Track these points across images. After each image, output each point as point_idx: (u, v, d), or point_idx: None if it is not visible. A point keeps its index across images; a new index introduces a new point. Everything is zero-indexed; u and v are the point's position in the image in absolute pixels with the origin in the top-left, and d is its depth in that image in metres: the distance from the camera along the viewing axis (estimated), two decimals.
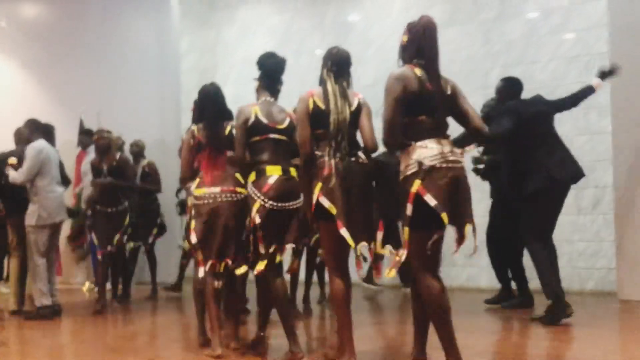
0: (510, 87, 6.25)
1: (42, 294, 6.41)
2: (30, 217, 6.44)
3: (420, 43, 3.69)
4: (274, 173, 4.23)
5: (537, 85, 8.17)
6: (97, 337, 5.61)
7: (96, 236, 7.09)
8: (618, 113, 7.18)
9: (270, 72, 4.56)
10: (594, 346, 4.77)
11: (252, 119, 4.36)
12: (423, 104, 3.55)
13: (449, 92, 3.68)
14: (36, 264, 6.39)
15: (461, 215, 3.51)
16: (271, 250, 4.22)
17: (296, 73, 8.70)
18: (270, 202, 4.17)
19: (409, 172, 3.48)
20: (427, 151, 3.47)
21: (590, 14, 7.86)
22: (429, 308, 3.55)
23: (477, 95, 7.54)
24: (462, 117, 3.70)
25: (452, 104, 3.68)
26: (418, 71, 3.62)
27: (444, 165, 3.47)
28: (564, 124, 7.84)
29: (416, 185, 3.43)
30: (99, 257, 7.04)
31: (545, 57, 8.15)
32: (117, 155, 7.26)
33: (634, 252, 6.92)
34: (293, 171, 4.29)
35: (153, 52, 10.29)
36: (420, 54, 3.67)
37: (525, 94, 7.74)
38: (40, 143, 6.56)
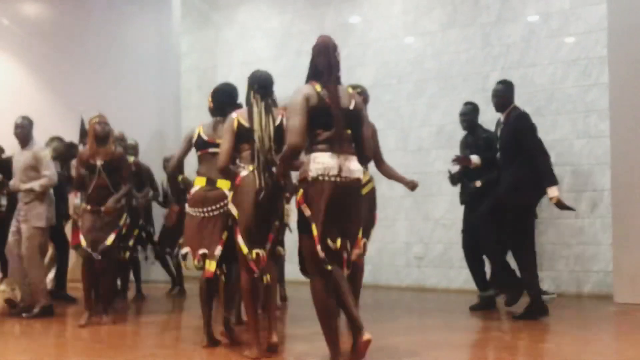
0: (509, 90, 6.30)
1: (46, 293, 6.47)
2: (39, 220, 6.39)
3: (316, 61, 3.97)
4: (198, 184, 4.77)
5: (536, 88, 8.17)
6: (96, 335, 5.58)
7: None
8: (616, 116, 7.17)
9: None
10: (589, 349, 4.77)
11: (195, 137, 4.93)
12: (321, 118, 3.80)
13: (351, 107, 3.92)
14: (43, 264, 6.46)
15: (340, 229, 3.78)
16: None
17: (296, 74, 8.71)
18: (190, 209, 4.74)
19: (298, 180, 3.86)
20: (314, 164, 3.76)
21: (590, 18, 7.84)
22: (315, 306, 3.84)
23: (476, 98, 7.55)
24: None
25: (353, 120, 3.91)
26: (318, 87, 3.87)
27: (327, 179, 3.74)
28: (562, 127, 7.87)
29: (299, 194, 3.80)
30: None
31: (545, 61, 8.14)
32: (115, 150, 6.17)
33: (631, 256, 6.91)
34: (219, 182, 4.66)
35: (153, 51, 10.29)
36: (319, 72, 3.93)
37: (525, 97, 7.78)
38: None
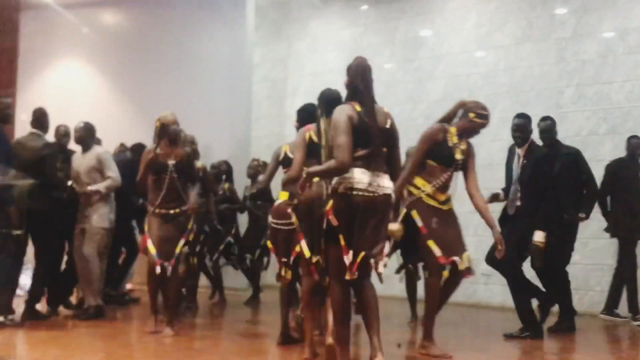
0: (530, 124, 6.08)
1: (97, 294, 6.48)
2: (103, 220, 6.52)
3: (354, 82, 4.10)
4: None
5: (612, 105, 7.94)
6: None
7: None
8: None
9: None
10: None
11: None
12: (361, 136, 3.94)
13: (387, 126, 4.07)
14: (98, 265, 6.47)
15: (360, 242, 3.88)
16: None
17: None
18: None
19: (329, 192, 4.01)
20: (347, 179, 3.90)
21: None
22: (332, 308, 4.11)
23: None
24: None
25: (389, 138, 4.08)
26: (357, 107, 4.01)
27: (356, 193, 3.88)
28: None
29: (328, 205, 3.96)
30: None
31: (621, 78, 7.90)
32: (186, 151, 5.97)
33: None
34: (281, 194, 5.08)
35: (227, 62, 10.42)
36: (358, 92, 4.06)
37: (601, 114, 7.59)
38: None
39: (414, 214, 4.84)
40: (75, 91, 10.47)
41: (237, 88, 10.30)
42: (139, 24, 10.67)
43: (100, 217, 6.51)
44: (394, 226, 4.59)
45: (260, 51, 11.24)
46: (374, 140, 3.95)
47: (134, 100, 10.21)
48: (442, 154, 4.92)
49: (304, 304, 4.75)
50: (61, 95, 10.30)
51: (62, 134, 6.81)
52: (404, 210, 4.87)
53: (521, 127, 5.98)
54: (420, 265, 6.20)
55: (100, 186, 6.46)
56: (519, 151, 6.03)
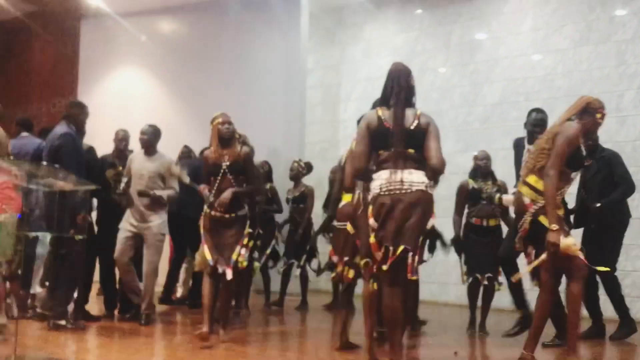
0: (546, 119, 5.84)
1: (152, 300, 6.55)
2: (165, 227, 6.55)
3: (386, 87, 4.25)
4: None
5: None
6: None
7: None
8: None
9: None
10: None
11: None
12: (381, 139, 4.11)
13: (412, 127, 4.10)
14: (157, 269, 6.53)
15: (395, 239, 3.99)
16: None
17: (420, 91, 8.60)
18: None
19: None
20: (376, 182, 4.09)
21: None
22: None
23: (609, 118, 7.13)
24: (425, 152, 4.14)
25: (414, 139, 4.10)
26: (380, 111, 4.18)
27: (384, 193, 4.04)
28: None
29: (369, 210, 4.13)
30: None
31: None
32: (240, 150, 5.68)
33: None
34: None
35: (281, 68, 10.46)
36: (387, 97, 4.21)
37: None
38: None
39: (543, 219, 4.52)
40: (133, 98, 10.64)
41: (291, 94, 10.33)
42: (195, 32, 10.80)
43: (163, 223, 6.49)
44: (569, 240, 4.41)
45: (313, 57, 11.26)
46: (394, 141, 4.07)
47: (191, 107, 10.33)
48: (575, 157, 4.59)
49: (364, 308, 4.75)
50: (120, 102, 10.50)
51: (120, 139, 6.87)
52: (528, 217, 4.58)
53: (543, 122, 5.78)
54: (486, 275, 6.18)
55: (164, 194, 6.43)
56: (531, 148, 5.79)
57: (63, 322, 5.84)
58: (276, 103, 10.18)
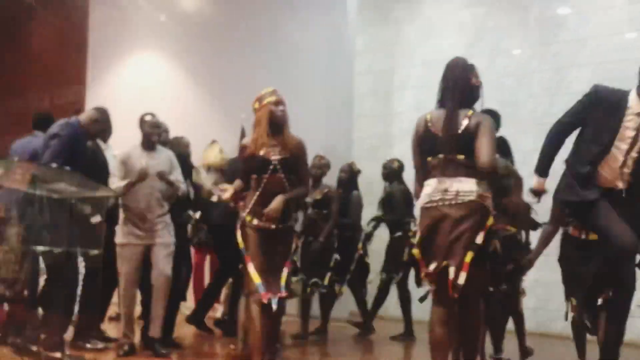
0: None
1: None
2: (173, 233, 6.61)
3: (441, 86, 4.48)
4: None
5: None
6: None
7: None
8: None
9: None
10: None
11: None
12: (428, 145, 4.40)
13: (459, 131, 4.29)
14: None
15: (441, 254, 4.27)
16: None
17: (491, 78, 8.55)
18: None
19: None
20: (423, 192, 4.38)
21: None
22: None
23: None
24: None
25: (463, 144, 4.29)
26: (429, 115, 4.45)
27: (428, 205, 4.33)
28: None
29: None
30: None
31: None
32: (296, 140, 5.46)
33: None
34: None
35: (323, 52, 10.49)
36: (441, 97, 4.47)
37: None
38: None
39: None
40: (150, 87, 10.73)
41: (337, 81, 10.36)
42: (222, 10, 10.87)
43: (171, 232, 6.40)
44: None
45: (363, 38, 11.28)
46: (440, 148, 4.33)
47: (218, 97, 10.40)
48: None
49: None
50: (135, 91, 10.59)
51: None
52: None
53: None
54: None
55: (182, 186, 6.42)
56: None
57: (58, 355, 5.79)
58: (319, 92, 10.21)
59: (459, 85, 4.37)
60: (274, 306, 5.01)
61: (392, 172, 8.27)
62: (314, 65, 10.39)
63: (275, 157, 5.13)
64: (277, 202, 5.05)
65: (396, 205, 8.10)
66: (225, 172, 7.00)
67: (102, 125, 6.36)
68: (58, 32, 12.06)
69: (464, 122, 4.29)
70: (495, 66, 9.41)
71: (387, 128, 10.77)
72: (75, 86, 10.77)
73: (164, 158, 6.37)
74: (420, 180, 4.47)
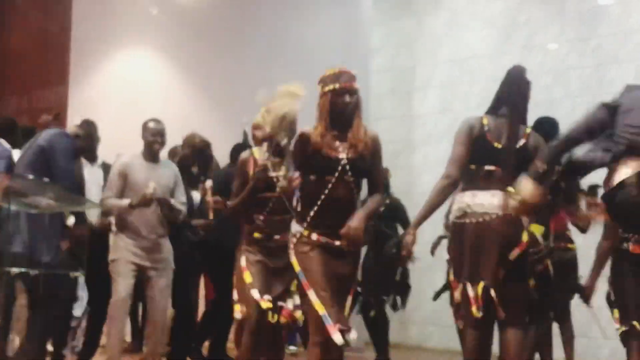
0: None
1: None
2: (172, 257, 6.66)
3: (500, 91, 4.75)
4: None
5: None
6: None
7: None
8: None
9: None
10: None
11: None
12: (480, 152, 4.56)
13: (519, 145, 4.55)
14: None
15: (472, 274, 4.47)
16: None
17: None
18: None
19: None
20: (456, 204, 4.58)
21: None
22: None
23: None
24: None
25: (521, 160, 4.50)
26: (485, 120, 4.64)
27: (459, 221, 4.54)
28: None
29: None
30: None
31: None
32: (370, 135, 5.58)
33: None
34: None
35: (336, 48, 10.48)
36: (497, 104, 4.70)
37: None
38: None
39: None
40: (141, 87, 10.74)
41: None
42: (222, 4, 10.85)
43: (171, 254, 6.44)
44: None
45: (381, 32, 11.29)
46: (497, 159, 4.52)
47: (216, 99, 10.40)
48: None
49: None
50: (123, 93, 10.61)
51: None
52: None
53: None
54: None
55: (182, 208, 6.46)
56: None
57: None
58: None
59: (525, 98, 4.73)
60: (339, 341, 4.30)
61: (386, 182, 8.19)
62: (325, 64, 10.30)
63: (343, 156, 4.55)
64: (358, 220, 4.46)
65: (404, 219, 8.12)
66: (215, 180, 6.94)
67: (85, 142, 6.44)
68: (37, 27, 12.09)
69: (522, 140, 4.58)
70: (528, 63, 9.19)
71: (409, 132, 10.77)
72: (57, 87, 10.78)
73: (168, 174, 6.38)
74: (454, 180, 4.57)
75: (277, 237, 5.24)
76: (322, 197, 4.49)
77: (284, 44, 10.42)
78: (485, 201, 4.46)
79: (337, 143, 4.60)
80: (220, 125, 9.72)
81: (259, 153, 5.47)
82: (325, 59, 10.41)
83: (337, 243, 4.48)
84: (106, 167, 6.79)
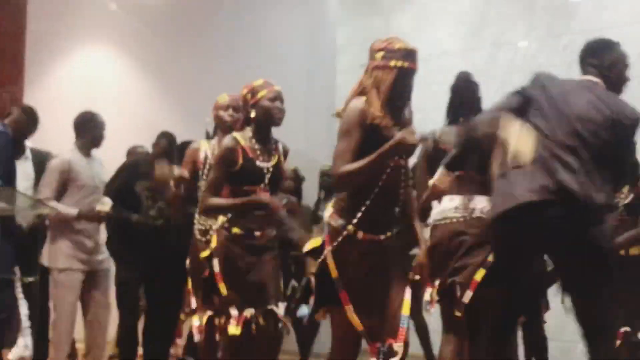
0: None
1: None
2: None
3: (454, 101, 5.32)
4: None
5: None
6: None
7: None
8: None
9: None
10: None
11: None
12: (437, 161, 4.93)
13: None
14: None
15: (447, 271, 4.67)
16: None
17: (493, 74, 8.55)
18: None
19: None
20: (436, 209, 4.87)
21: None
22: None
23: None
24: None
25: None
26: (438, 133, 5.17)
27: (443, 222, 4.78)
28: None
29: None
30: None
31: None
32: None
33: None
34: None
35: (302, 46, 10.49)
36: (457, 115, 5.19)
37: None
38: None
39: None
40: (99, 85, 10.67)
41: (316, 80, 10.35)
42: (186, 2, 10.85)
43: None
44: None
45: (346, 30, 11.27)
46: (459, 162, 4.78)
47: (178, 98, 10.36)
48: None
49: None
50: (80, 91, 10.53)
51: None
52: None
53: None
54: None
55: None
56: None
57: None
58: (296, 92, 10.14)
59: (479, 101, 5.21)
60: (399, 352, 3.86)
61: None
62: (290, 64, 10.38)
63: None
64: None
65: None
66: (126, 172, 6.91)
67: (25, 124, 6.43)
68: None
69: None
70: (498, 60, 9.41)
71: None
72: (11, 87, 10.67)
73: (101, 169, 6.60)
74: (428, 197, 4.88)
75: (257, 233, 4.96)
76: (378, 188, 4.01)
77: (247, 41, 10.40)
78: (464, 204, 4.75)
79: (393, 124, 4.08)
80: (181, 123, 9.65)
81: (244, 139, 5.19)
82: (290, 57, 10.45)
83: (382, 237, 3.98)
84: (36, 156, 6.71)
